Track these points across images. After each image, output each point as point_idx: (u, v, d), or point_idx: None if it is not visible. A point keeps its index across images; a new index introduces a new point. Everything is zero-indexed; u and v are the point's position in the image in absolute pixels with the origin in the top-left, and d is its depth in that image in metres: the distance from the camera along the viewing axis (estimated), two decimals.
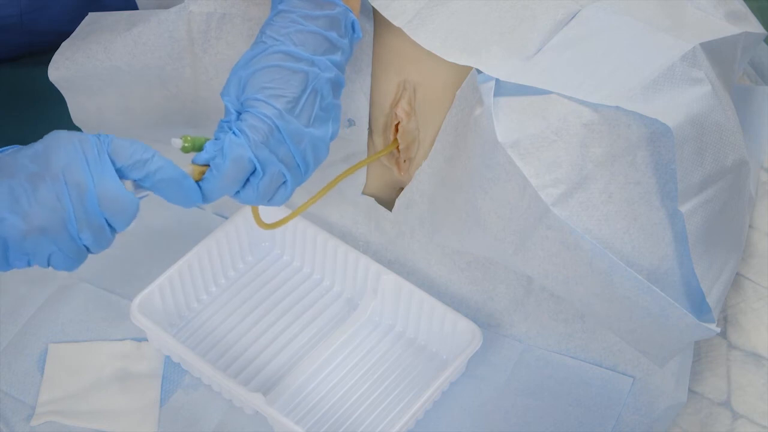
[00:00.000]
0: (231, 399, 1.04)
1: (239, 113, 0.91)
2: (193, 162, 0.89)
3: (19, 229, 0.82)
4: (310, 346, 1.08)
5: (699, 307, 1.00)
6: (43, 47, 1.17)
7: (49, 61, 1.10)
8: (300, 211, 1.02)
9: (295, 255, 1.15)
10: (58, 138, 0.84)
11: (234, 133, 0.89)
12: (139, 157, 0.84)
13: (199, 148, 0.90)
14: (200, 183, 0.89)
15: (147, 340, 1.07)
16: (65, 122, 1.15)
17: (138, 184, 0.86)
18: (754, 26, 1.09)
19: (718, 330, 0.97)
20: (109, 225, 0.85)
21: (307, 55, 0.92)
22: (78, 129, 1.16)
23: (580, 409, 1.05)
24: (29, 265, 0.85)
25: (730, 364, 1.09)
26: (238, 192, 0.91)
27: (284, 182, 0.92)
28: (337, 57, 0.94)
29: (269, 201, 0.93)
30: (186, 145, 0.90)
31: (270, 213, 1.07)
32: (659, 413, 1.05)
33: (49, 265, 0.85)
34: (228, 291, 1.13)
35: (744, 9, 1.09)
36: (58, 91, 1.12)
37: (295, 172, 0.92)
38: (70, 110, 1.14)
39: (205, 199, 0.89)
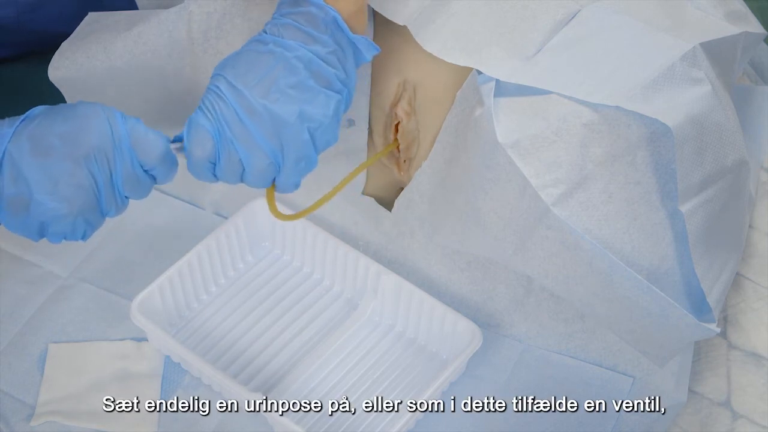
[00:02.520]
0: (231, 399, 1.04)
1: None
2: (173, 141, 0.92)
3: (61, 213, 0.87)
4: (310, 346, 1.08)
5: (699, 307, 1.00)
6: (42, 47, 1.17)
7: (49, 61, 1.10)
8: (313, 208, 1.02)
9: (295, 255, 1.15)
10: (88, 117, 0.87)
11: (197, 109, 0.92)
12: (155, 152, 0.89)
13: None
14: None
15: (147, 340, 1.07)
16: None
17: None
18: (754, 26, 1.09)
19: (718, 330, 0.97)
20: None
21: (272, 38, 0.92)
22: None
23: (580, 409, 1.05)
24: (64, 239, 0.90)
25: (730, 364, 1.09)
26: (214, 166, 0.92)
27: (243, 160, 0.92)
28: (315, 47, 0.92)
29: (244, 177, 0.93)
30: None
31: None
32: (659, 413, 1.05)
33: (82, 238, 0.90)
34: (228, 291, 1.13)
35: (744, 9, 1.09)
36: (58, 91, 1.12)
37: (256, 150, 0.91)
38: None
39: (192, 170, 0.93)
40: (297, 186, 0.94)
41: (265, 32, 0.93)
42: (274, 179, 0.94)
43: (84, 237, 0.90)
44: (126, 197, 0.90)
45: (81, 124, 0.86)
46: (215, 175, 0.93)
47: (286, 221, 1.04)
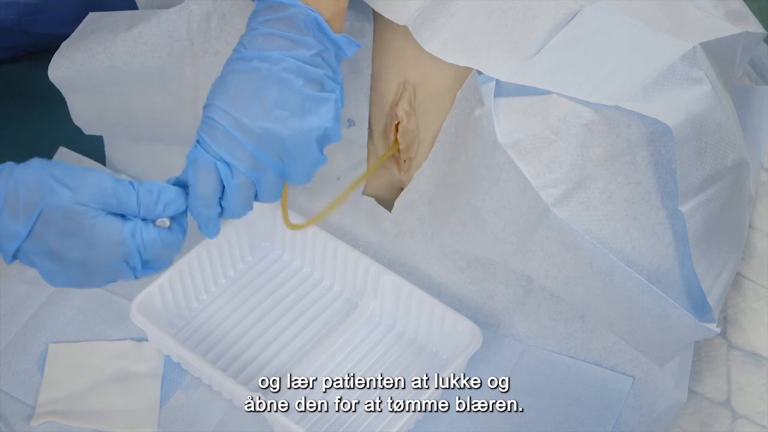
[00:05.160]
0: (231, 399, 1.04)
1: None
2: (169, 183, 0.91)
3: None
4: (310, 346, 1.08)
5: (699, 307, 1.00)
6: (42, 49, 1.17)
7: (49, 61, 1.10)
8: (321, 216, 1.06)
9: (295, 255, 1.15)
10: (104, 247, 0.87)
11: (194, 144, 0.90)
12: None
13: None
14: (189, 209, 0.91)
15: (147, 340, 1.07)
16: (65, 122, 1.15)
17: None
18: (754, 26, 1.09)
19: (719, 330, 0.97)
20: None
21: (255, 54, 0.91)
22: (78, 129, 1.16)
23: (580, 409, 1.05)
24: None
25: (730, 364, 1.09)
26: (221, 209, 0.92)
27: (255, 182, 0.91)
28: (300, 52, 0.92)
29: (258, 197, 0.93)
30: None
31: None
32: (659, 413, 1.05)
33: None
34: (228, 291, 1.12)
35: (744, 9, 1.09)
36: (58, 91, 1.12)
37: (267, 175, 0.91)
38: (70, 110, 1.14)
39: (207, 230, 0.93)
40: (309, 181, 0.95)
41: (244, 47, 0.92)
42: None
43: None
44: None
45: (96, 255, 0.87)
46: (221, 207, 0.92)
47: (296, 230, 1.06)
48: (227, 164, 0.90)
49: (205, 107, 0.91)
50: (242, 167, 0.90)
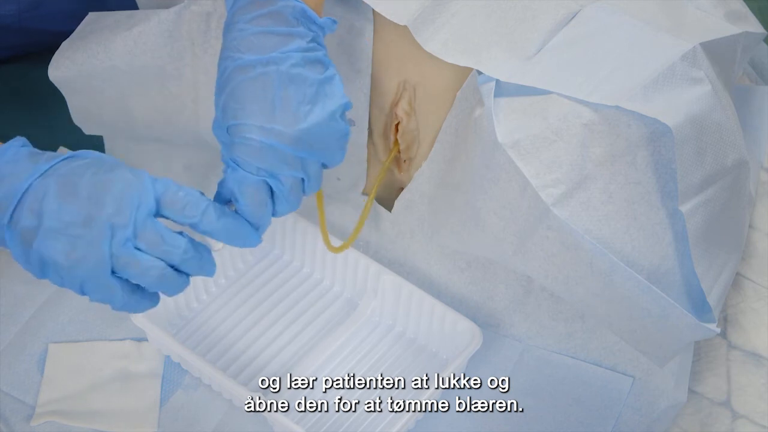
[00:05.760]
0: (231, 399, 1.04)
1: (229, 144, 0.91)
2: (215, 202, 0.89)
3: (58, 258, 0.84)
4: (310, 347, 1.08)
5: (700, 307, 1.00)
6: (42, 47, 1.17)
7: (49, 61, 1.10)
8: (355, 234, 1.05)
9: (295, 255, 1.15)
10: (113, 183, 0.84)
11: (231, 167, 0.89)
12: (189, 207, 0.86)
13: None
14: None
15: (147, 340, 1.07)
16: (65, 122, 1.15)
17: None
18: (754, 26, 1.09)
19: (719, 330, 0.97)
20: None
21: (256, 58, 0.90)
22: (78, 129, 1.16)
23: (580, 409, 1.05)
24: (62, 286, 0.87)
25: (730, 364, 1.09)
26: (274, 211, 0.91)
27: (304, 180, 0.91)
28: (296, 43, 0.91)
29: (305, 191, 0.93)
30: None
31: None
32: (659, 413, 1.05)
33: (83, 294, 0.86)
34: (228, 291, 1.13)
35: (744, 9, 1.09)
36: (58, 91, 1.12)
37: (312, 167, 0.91)
38: (70, 110, 1.14)
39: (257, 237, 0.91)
40: (343, 158, 0.94)
41: (239, 51, 0.90)
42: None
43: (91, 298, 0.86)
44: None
45: (106, 190, 0.84)
46: (275, 213, 0.91)
47: (339, 252, 1.06)
48: (274, 175, 0.89)
49: (231, 128, 0.89)
50: (289, 171, 0.89)
